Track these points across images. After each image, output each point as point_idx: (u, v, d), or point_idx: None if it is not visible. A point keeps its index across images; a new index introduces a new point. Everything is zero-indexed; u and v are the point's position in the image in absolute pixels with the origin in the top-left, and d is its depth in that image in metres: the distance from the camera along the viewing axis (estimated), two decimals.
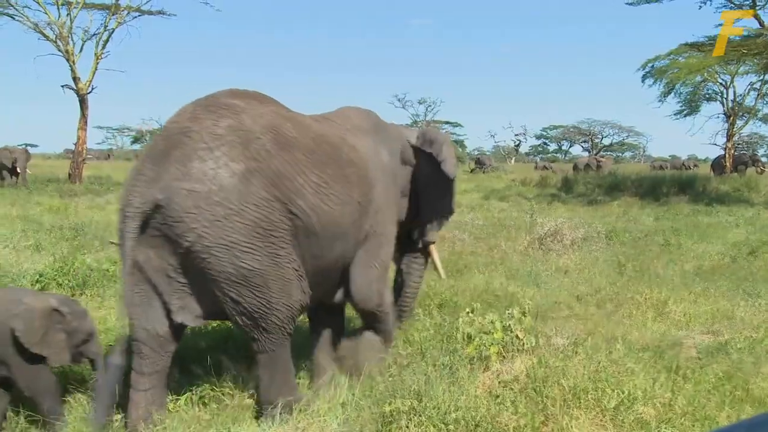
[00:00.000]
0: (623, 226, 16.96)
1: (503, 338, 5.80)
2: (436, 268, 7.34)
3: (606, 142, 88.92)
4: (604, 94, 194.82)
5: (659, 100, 34.90)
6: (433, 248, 7.10)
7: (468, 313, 6.29)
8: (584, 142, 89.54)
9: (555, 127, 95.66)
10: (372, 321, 6.08)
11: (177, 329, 5.04)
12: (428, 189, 6.58)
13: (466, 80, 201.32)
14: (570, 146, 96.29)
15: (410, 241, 6.89)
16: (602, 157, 56.75)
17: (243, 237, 4.68)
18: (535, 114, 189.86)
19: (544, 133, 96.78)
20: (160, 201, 4.63)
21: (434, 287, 8.58)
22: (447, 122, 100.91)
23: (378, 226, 5.78)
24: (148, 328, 4.92)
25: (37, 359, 5.08)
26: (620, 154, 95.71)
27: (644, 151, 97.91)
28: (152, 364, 4.98)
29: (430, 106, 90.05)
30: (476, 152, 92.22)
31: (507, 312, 6.22)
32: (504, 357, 5.72)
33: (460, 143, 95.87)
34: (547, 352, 5.74)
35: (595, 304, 8.71)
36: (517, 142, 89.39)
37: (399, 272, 7.09)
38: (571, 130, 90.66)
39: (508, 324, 5.92)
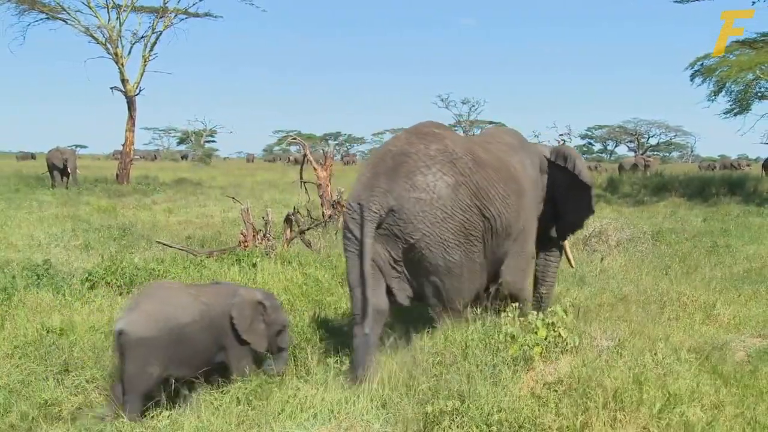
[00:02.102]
0: (670, 227, 16.72)
1: (546, 337, 5.76)
2: (567, 259, 8.40)
3: (653, 141, 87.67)
4: (650, 94, 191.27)
5: (709, 99, 33.89)
6: (566, 243, 8.20)
7: (510, 312, 6.27)
8: (630, 142, 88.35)
9: (600, 127, 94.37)
10: (514, 302, 6.96)
11: (391, 306, 6.46)
12: (567, 196, 7.66)
13: (510, 80, 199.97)
14: (615, 146, 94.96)
15: (547, 239, 7.87)
16: (649, 157, 55.91)
17: (452, 236, 6.23)
18: (580, 113, 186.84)
19: (589, 133, 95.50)
20: (394, 207, 6.15)
21: None
22: (490, 122, 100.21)
23: (527, 225, 7.10)
24: (375, 303, 6.17)
25: (245, 345, 6.13)
26: (667, 154, 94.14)
27: (692, 151, 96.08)
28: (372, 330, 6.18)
29: (473, 106, 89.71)
30: None
31: (549, 309, 6.19)
32: (547, 357, 5.69)
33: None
34: (591, 353, 5.69)
35: (641, 306, 8.61)
36: (562, 143, 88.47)
37: (537, 266, 7.97)
38: (617, 129, 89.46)
39: (550, 322, 5.89)
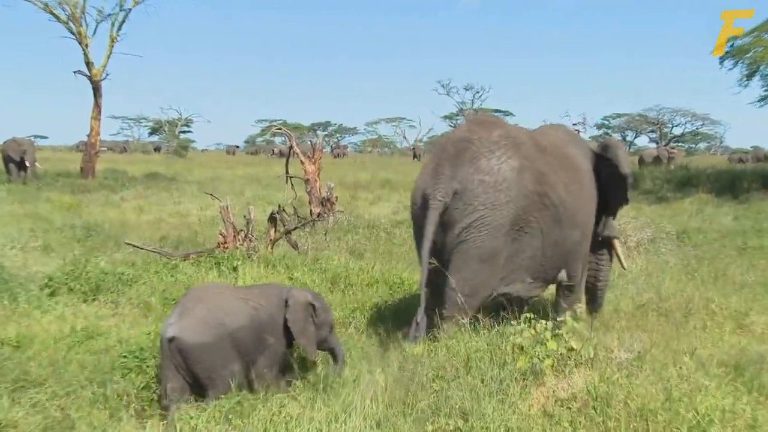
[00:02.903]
0: (696, 226, 16.73)
1: (557, 349, 5.75)
2: (619, 260, 8.78)
3: (677, 131, 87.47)
4: (674, 79, 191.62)
5: (740, 84, 33.48)
6: (616, 242, 8.68)
7: (519, 323, 6.26)
8: (652, 132, 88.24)
9: (618, 116, 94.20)
10: (568, 294, 7.87)
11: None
12: (609, 187, 8.13)
13: (517, 65, 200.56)
14: (635, 137, 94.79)
15: (596, 240, 8.31)
16: (673, 148, 55.91)
17: (507, 222, 6.72)
18: (596, 101, 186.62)
19: (606, 123, 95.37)
20: (458, 190, 6.70)
21: None
22: (496, 110, 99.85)
23: (588, 219, 7.68)
24: (431, 290, 6.79)
25: (288, 347, 6.59)
26: (693, 146, 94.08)
27: (721, 142, 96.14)
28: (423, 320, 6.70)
29: (477, 92, 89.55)
30: None
31: (558, 318, 6.19)
32: (560, 371, 5.67)
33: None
34: (609, 367, 5.68)
35: (663, 314, 8.60)
36: (576, 132, 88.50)
37: (589, 266, 8.36)
38: (637, 118, 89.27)
39: (559, 333, 5.88)
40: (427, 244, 6.66)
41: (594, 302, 8.57)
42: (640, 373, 5.65)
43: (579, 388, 5.41)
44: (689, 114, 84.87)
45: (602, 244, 8.52)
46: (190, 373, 5.98)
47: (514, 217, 6.75)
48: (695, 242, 14.24)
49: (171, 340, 5.89)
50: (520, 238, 6.89)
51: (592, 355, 5.84)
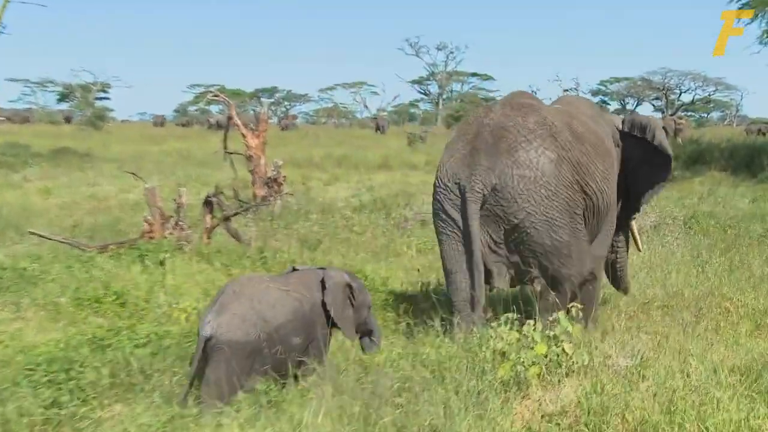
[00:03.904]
0: (708, 210, 16.91)
1: (546, 355, 5.80)
2: (635, 241, 9.64)
3: (686, 99, 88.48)
4: (682, 37, 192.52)
5: (761, 42, 33.50)
6: (633, 224, 9.50)
7: (500, 324, 6.30)
8: (656, 99, 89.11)
9: (617, 80, 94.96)
10: (590, 280, 8.43)
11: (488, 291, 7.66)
12: (640, 170, 8.82)
13: (498, 20, 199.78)
14: (637, 104, 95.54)
15: (616, 221, 8.86)
16: (681, 118, 56.39)
17: (558, 214, 7.46)
18: (591, 63, 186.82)
19: (603, 88, 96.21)
20: (496, 185, 7.38)
21: None
22: (474, 74, 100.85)
23: (615, 206, 8.47)
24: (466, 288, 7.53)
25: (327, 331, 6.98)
26: (705, 115, 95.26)
27: (738, 111, 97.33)
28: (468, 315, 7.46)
29: (451, 53, 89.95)
30: None
31: (550, 318, 6.23)
32: (548, 380, 5.72)
33: (491, 102, 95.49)
34: (605, 375, 5.74)
35: (670, 313, 8.69)
36: None
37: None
38: (639, 83, 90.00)
39: (551, 334, 5.93)
40: (476, 242, 7.39)
41: (619, 287, 9.41)
42: (642, 382, 5.72)
43: (569, 400, 5.46)
44: (700, 78, 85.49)
45: (620, 226, 9.02)
46: (227, 371, 6.23)
47: (563, 208, 7.51)
48: (706, 229, 14.36)
49: (208, 339, 6.17)
50: (576, 226, 7.65)
51: (586, 362, 5.89)
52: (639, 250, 10.08)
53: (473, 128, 7.85)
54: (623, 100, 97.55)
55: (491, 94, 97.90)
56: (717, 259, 11.36)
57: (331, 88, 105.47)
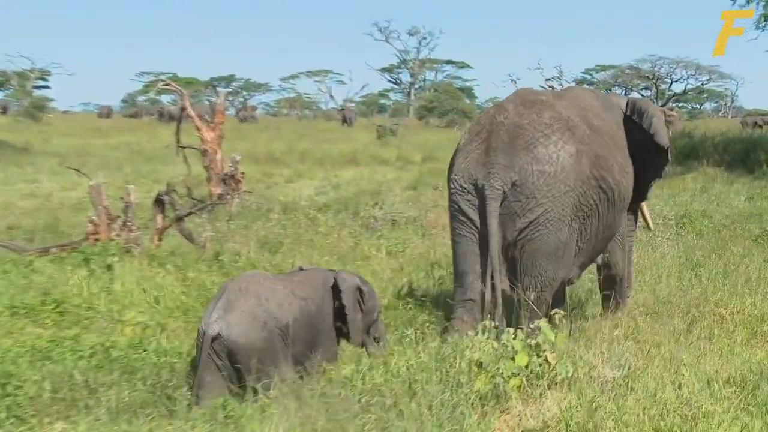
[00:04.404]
0: (701, 208, 17.05)
1: (527, 366, 5.82)
2: (645, 221, 10.22)
3: (677, 88, 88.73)
4: (674, 21, 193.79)
5: (757, 27, 33.33)
6: (644, 204, 9.98)
7: (476, 334, 6.32)
8: (645, 89, 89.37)
9: (603, 68, 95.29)
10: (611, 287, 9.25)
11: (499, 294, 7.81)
12: (641, 159, 9.12)
13: (475, 4, 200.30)
14: (625, 94, 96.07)
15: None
16: (672, 110, 56.67)
17: (570, 211, 7.87)
18: (575, 50, 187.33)
19: (588, 77, 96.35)
20: (516, 181, 7.72)
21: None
22: (449, 62, 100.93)
23: (629, 193, 8.93)
24: (482, 291, 7.79)
25: (338, 335, 7.39)
26: (698, 106, 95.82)
27: (733, 101, 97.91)
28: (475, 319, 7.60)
29: (424, 38, 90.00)
30: (490, 104, 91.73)
31: (531, 325, 6.25)
32: (529, 393, 5.74)
33: (467, 91, 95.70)
34: (590, 388, 5.77)
35: (660, 320, 8.74)
36: (550, 89, 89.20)
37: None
38: (627, 72, 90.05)
39: (533, 343, 5.95)
40: (495, 240, 7.69)
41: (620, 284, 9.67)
42: (630, 394, 5.75)
43: (552, 414, 5.48)
44: (693, 66, 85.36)
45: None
46: (234, 372, 6.56)
47: (574, 205, 7.91)
48: (699, 229, 14.47)
49: (215, 338, 6.42)
50: (581, 225, 8.10)
51: (570, 373, 5.92)
52: (650, 230, 10.82)
53: (486, 128, 8.18)
54: (610, 90, 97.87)
55: (468, 83, 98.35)
56: (711, 262, 11.44)
57: (293, 77, 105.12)
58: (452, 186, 8.19)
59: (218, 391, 6.46)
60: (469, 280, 7.90)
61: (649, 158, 9.24)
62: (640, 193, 9.46)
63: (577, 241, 8.19)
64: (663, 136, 9.22)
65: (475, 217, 7.89)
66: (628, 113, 9.40)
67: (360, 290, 7.44)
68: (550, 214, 7.78)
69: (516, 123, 8.00)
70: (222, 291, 6.83)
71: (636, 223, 10.06)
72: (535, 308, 7.68)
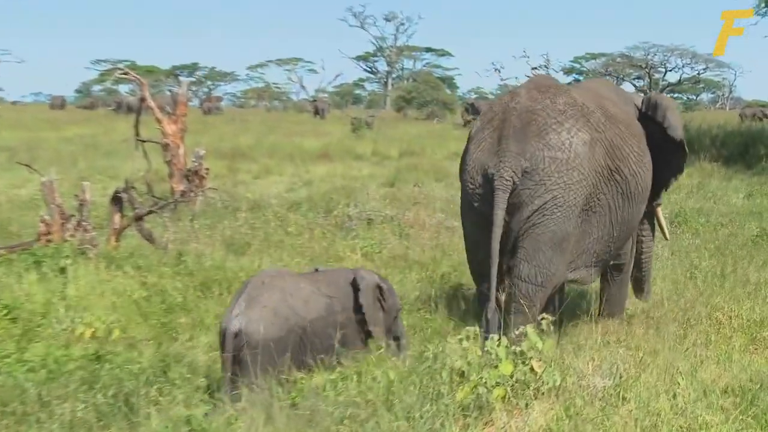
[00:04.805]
0: (697, 206, 17.11)
1: (512, 375, 5.84)
2: (661, 229, 10.42)
3: (672, 78, 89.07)
4: (668, 7, 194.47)
5: (758, 13, 33.13)
6: (659, 210, 10.20)
7: (460, 340, 6.32)
8: (638, 78, 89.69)
9: (593, 57, 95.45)
10: (618, 276, 9.58)
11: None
12: (660, 155, 9.30)
13: None
14: (617, 84, 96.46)
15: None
16: None
17: (581, 201, 8.06)
18: (563, 38, 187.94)
19: (577, 65, 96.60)
20: (527, 168, 7.91)
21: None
22: (429, 49, 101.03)
23: (648, 191, 9.15)
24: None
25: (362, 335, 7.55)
26: (694, 97, 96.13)
27: (731, 92, 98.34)
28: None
29: (402, 24, 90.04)
30: (473, 95, 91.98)
31: (516, 331, 6.26)
32: (514, 404, 5.75)
33: (448, 81, 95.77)
34: (579, 397, 5.79)
35: (654, 326, 8.78)
36: None
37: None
38: (618, 60, 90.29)
39: (518, 350, 5.97)
40: (497, 231, 7.80)
41: (641, 271, 10.02)
42: (622, 404, 5.78)
43: (539, 426, 5.50)
44: (688, 54, 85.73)
45: (645, 215, 9.72)
46: (258, 368, 6.62)
47: (586, 195, 8.10)
48: (695, 228, 14.54)
49: (236, 334, 6.61)
50: (589, 218, 8.28)
51: (557, 382, 5.94)
52: (666, 239, 10.91)
53: (499, 115, 8.38)
54: None
55: (448, 73, 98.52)
56: (707, 263, 11.52)
57: (261, 65, 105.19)
58: (464, 177, 8.42)
59: (246, 388, 6.53)
60: (487, 269, 7.95)
61: (667, 155, 9.43)
62: (658, 190, 9.72)
63: (586, 236, 8.32)
64: (676, 129, 9.41)
65: (486, 209, 7.99)
66: (644, 109, 9.60)
67: (380, 288, 7.61)
68: (559, 201, 7.92)
69: (529, 108, 8.21)
70: (245, 286, 7.02)
71: (654, 232, 10.20)
72: (524, 307, 7.89)
